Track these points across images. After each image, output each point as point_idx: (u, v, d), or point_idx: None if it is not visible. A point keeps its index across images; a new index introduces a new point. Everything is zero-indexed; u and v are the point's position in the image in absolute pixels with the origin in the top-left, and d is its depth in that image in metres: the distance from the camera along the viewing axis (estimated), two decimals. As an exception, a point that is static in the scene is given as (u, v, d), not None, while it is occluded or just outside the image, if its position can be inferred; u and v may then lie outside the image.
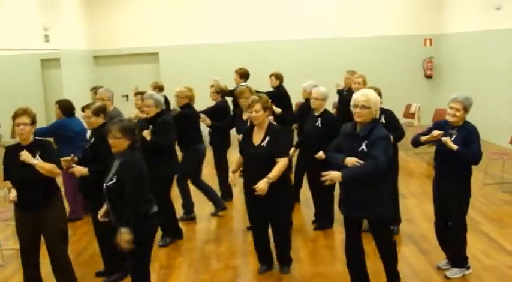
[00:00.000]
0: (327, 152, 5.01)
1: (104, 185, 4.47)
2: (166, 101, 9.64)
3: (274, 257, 5.75)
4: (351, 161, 4.48)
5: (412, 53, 14.47)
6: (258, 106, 5.26)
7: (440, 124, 5.25)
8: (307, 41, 14.39)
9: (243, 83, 9.07)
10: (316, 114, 6.57)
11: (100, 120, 5.49)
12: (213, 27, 14.36)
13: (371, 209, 4.57)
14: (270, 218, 5.47)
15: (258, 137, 5.32)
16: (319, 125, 6.46)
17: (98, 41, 14.38)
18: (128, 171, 4.33)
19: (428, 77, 14.55)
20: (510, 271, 5.51)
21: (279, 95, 8.76)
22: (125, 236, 4.22)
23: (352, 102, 4.57)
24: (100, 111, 5.52)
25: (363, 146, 4.51)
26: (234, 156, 6.96)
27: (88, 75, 14.08)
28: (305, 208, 7.67)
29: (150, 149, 5.92)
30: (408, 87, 14.33)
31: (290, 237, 5.76)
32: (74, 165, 5.28)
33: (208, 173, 8.50)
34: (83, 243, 6.83)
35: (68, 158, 5.43)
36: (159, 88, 9.85)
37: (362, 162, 4.44)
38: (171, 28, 14.41)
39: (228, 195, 8.25)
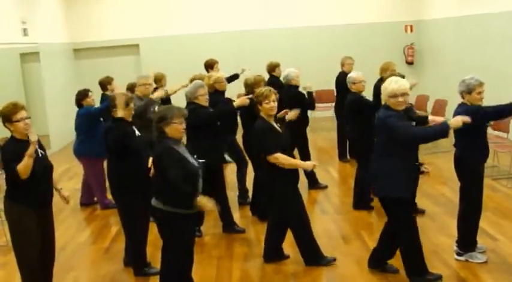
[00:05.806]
0: None
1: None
2: None
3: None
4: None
5: (393, 40, 14.51)
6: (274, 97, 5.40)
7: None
8: (289, 30, 14.37)
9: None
10: None
11: None
12: (193, 18, 14.28)
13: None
14: None
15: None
16: None
17: (78, 33, 14.24)
18: None
19: (410, 63, 14.60)
20: (492, 254, 5.61)
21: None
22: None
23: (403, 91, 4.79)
24: None
25: None
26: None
27: (68, 68, 13.97)
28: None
29: None
30: (390, 73, 14.35)
31: None
32: None
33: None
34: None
35: None
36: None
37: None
38: (151, 19, 14.29)
39: None
